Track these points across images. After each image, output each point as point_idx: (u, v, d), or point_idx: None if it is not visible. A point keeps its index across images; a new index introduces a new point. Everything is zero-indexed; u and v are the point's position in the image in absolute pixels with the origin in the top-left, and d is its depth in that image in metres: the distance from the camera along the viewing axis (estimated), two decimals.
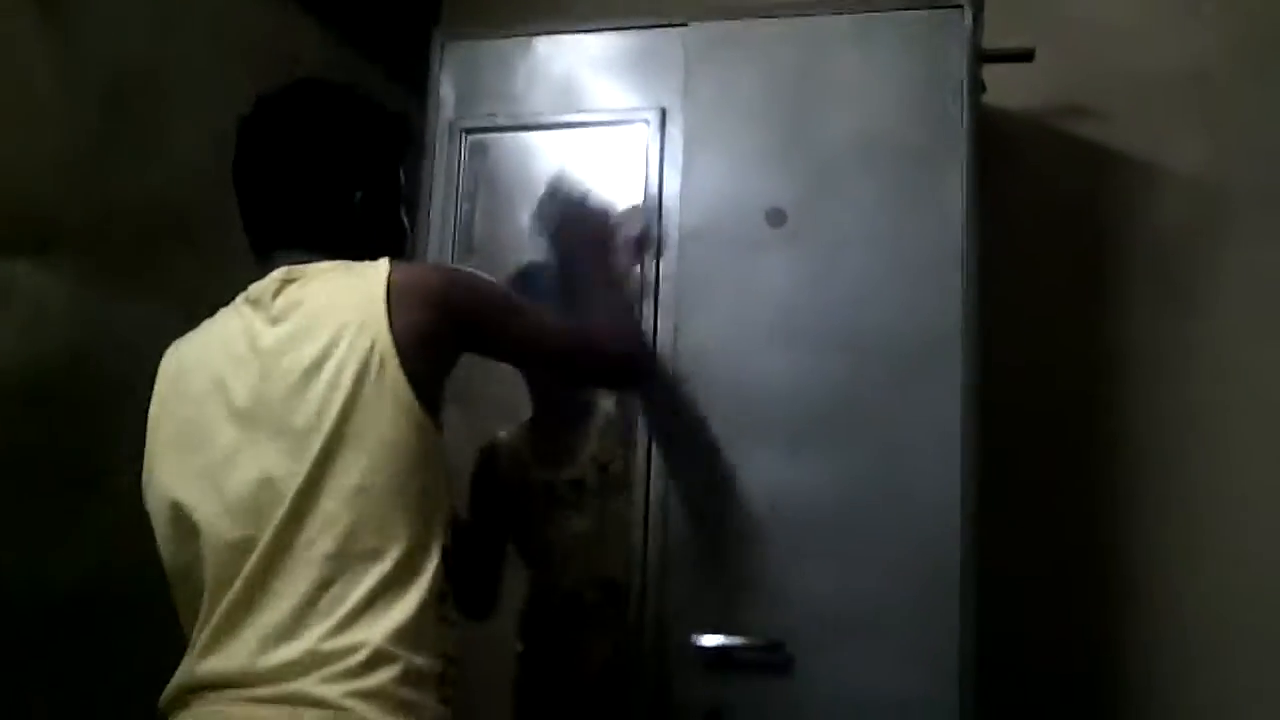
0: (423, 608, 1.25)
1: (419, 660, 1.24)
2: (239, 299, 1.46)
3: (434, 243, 2.04)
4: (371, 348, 1.30)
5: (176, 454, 1.38)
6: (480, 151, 2.09)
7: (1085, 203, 2.35)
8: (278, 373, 1.33)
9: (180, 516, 1.34)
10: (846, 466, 1.80)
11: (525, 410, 2.03)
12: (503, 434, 2.03)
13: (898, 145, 1.90)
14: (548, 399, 2.01)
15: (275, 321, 1.37)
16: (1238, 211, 2.27)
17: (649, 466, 1.87)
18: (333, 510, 1.26)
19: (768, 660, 1.75)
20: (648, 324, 1.90)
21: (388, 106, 1.58)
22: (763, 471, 1.83)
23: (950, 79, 1.89)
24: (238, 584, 1.27)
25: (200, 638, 1.30)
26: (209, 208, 1.94)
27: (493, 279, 1.63)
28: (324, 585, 1.24)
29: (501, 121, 2.09)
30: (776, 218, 1.91)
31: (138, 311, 1.85)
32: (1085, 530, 2.24)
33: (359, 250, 1.45)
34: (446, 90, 2.11)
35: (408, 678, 1.22)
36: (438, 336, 1.36)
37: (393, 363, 1.29)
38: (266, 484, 1.29)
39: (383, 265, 1.38)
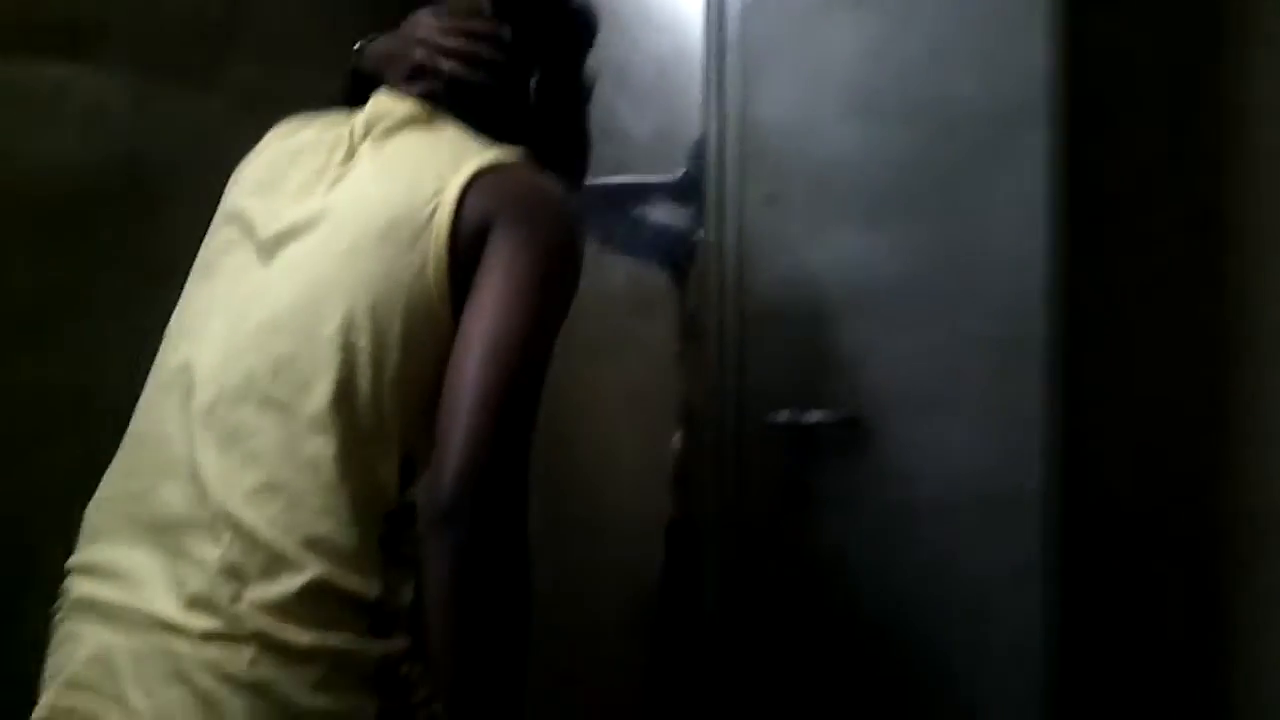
0: None
1: None
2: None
3: None
4: None
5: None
6: None
7: None
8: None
9: None
10: (924, 239, 1.74)
11: None
12: None
13: None
14: None
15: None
16: None
17: (721, 248, 1.83)
18: None
19: (846, 436, 1.74)
20: (711, 97, 1.83)
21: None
22: (839, 247, 1.78)
23: None
24: None
25: None
26: (264, 4, 1.90)
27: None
28: None
29: None
30: None
31: (197, 112, 1.83)
32: (1183, 296, 1.97)
33: (532, 147, 1.22)
34: None
35: None
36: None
37: None
38: None
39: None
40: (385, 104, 1.23)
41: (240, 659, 1.00)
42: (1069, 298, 1.70)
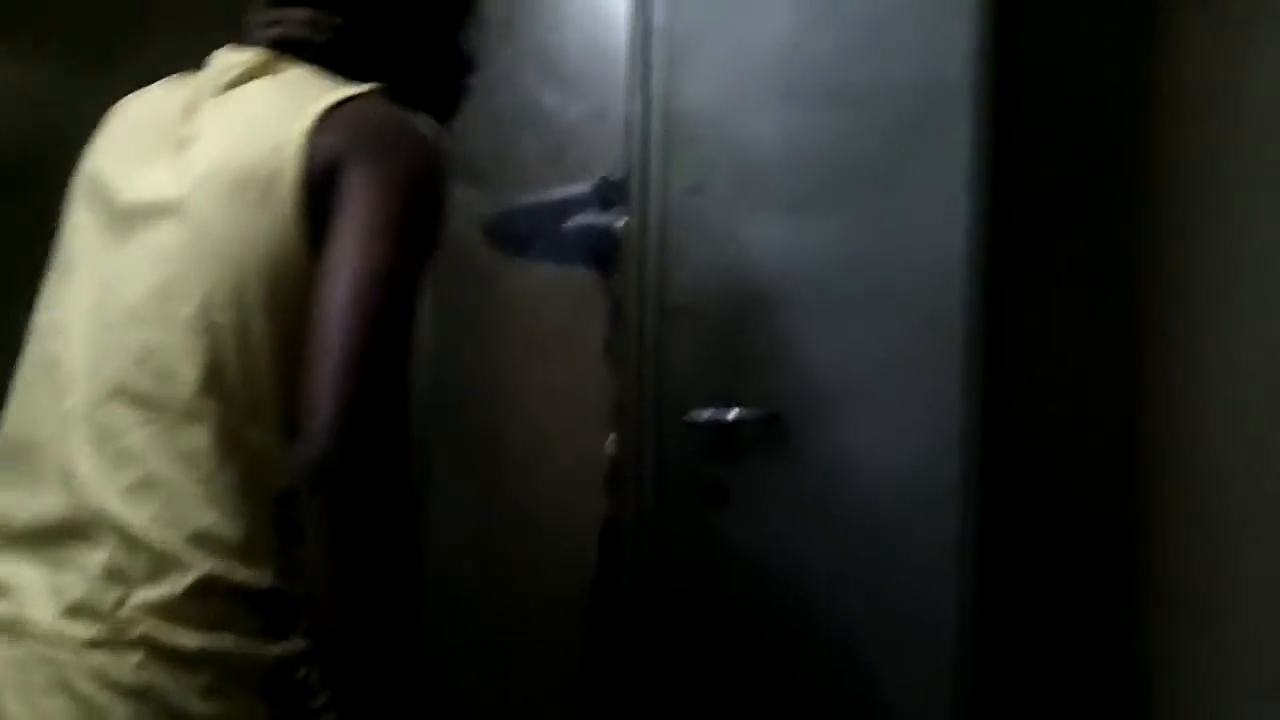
0: None
1: None
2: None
3: None
4: None
5: None
6: None
7: None
8: None
9: None
10: (848, 232, 1.71)
11: None
12: None
13: None
14: None
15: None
16: None
17: (643, 240, 1.79)
18: None
19: (765, 433, 1.71)
20: (635, 85, 1.78)
21: None
22: (760, 238, 1.74)
23: None
24: None
25: None
26: None
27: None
28: None
29: None
30: None
31: (107, 89, 1.77)
32: (1109, 297, 1.95)
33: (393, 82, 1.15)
34: None
35: None
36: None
37: None
38: None
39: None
40: (227, 57, 1.17)
41: (125, 665, 0.96)
42: (991, 294, 1.67)
